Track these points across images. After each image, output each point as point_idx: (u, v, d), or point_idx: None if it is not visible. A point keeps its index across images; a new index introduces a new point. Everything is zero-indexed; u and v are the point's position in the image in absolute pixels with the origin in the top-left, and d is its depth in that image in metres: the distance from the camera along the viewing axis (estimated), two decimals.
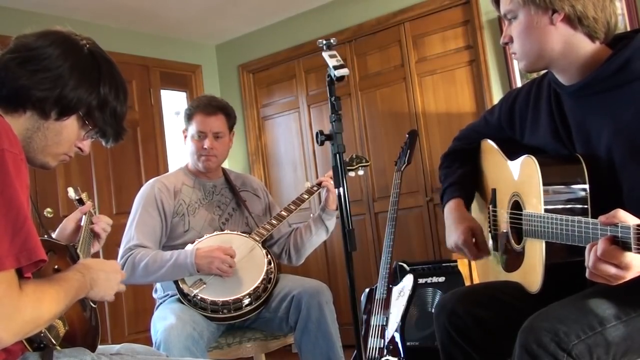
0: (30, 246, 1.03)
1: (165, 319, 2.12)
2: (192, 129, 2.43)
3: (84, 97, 1.23)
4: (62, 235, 1.63)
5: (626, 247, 1.06)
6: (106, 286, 1.30)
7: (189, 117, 2.45)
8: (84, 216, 1.64)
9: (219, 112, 2.44)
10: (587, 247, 1.14)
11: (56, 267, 1.31)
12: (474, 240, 1.64)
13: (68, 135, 1.26)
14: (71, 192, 1.80)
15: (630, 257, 1.06)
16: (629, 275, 1.09)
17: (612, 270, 1.09)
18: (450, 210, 1.73)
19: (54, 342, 1.22)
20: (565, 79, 1.43)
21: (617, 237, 1.07)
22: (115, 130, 1.31)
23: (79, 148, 1.32)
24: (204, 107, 2.42)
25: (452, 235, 1.67)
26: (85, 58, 1.25)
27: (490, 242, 1.71)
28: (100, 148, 4.02)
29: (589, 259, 1.12)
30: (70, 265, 1.39)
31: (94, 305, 1.44)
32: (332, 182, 2.36)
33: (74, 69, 1.21)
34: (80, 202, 1.75)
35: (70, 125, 1.25)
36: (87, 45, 1.28)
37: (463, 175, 1.77)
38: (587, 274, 1.14)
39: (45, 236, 1.45)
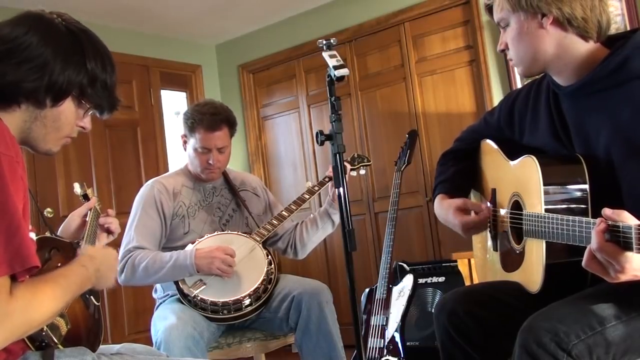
0: (24, 253, 1.01)
1: (166, 318, 2.12)
2: (195, 142, 2.36)
3: (74, 77, 1.19)
4: (67, 231, 1.63)
5: (627, 247, 1.06)
6: (109, 275, 1.30)
7: (191, 128, 2.36)
8: (89, 212, 1.64)
9: (223, 126, 2.36)
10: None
11: (59, 265, 1.31)
12: (472, 213, 1.63)
13: (67, 118, 1.23)
14: (77, 188, 1.80)
15: (630, 254, 1.07)
16: (628, 266, 1.09)
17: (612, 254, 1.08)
18: (435, 208, 1.75)
19: (56, 341, 1.22)
20: (562, 80, 1.44)
21: (617, 227, 1.07)
22: (109, 102, 1.28)
23: (81, 127, 1.29)
24: (208, 121, 2.32)
25: (454, 226, 1.66)
26: (65, 37, 1.21)
27: (490, 242, 1.71)
28: (100, 148, 4.04)
29: (594, 240, 1.11)
30: None
31: (97, 303, 1.44)
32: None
33: (57, 52, 1.17)
34: (86, 197, 1.75)
35: (67, 108, 1.22)
36: (63, 22, 1.23)
37: (455, 173, 1.78)
38: (583, 262, 1.14)
39: (47, 233, 1.45)
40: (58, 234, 1.60)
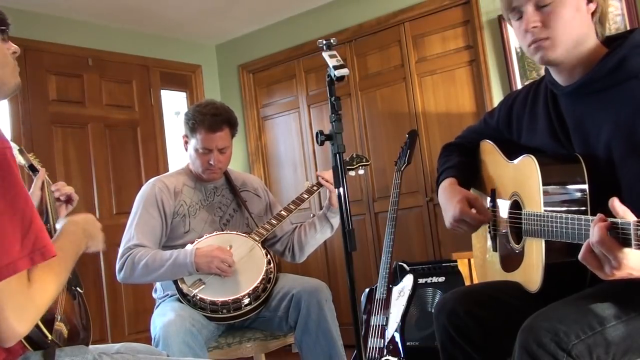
0: (41, 245, 1.04)
1: (165, 315, 2.12)
2: (196, 142, 2.36)
3: None
4: None
5: (626, 243, 1.06)
6: (97, 235, 1.35)
7: (192, 129, 2.36)
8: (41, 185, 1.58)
9: (225, 127, 2.36)
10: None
11: None
12: (472, 209, 1.59)
13: (2, 50, 1.24)
14: (19, 157, 1.62)
15: (628, 251, 1.07)
16: (625, 263, 1.09)
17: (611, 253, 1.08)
18: (442, 189, 1.70)
19: (60, 345, 1.23)
20: (562, 79, 1.44)
21: (616, 224, 1.08)
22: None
23: (12, 51, 1.28)
24: (209, 122, 2.33)
25: (449, 211, 1.61)
26: None
27: (489, 242, 1.71)
28: (100, 148, 4.04)
29: (593, 233, 1.10)
30: None
31: (81, 291, 1.45)
32: (329, 182, 2.36)
33: None
34: (32, 168, 1.63)
35: None
36: None
37: (460, 162, 1.76)
38: (580, 254, 1.14)
39: None
40: None
